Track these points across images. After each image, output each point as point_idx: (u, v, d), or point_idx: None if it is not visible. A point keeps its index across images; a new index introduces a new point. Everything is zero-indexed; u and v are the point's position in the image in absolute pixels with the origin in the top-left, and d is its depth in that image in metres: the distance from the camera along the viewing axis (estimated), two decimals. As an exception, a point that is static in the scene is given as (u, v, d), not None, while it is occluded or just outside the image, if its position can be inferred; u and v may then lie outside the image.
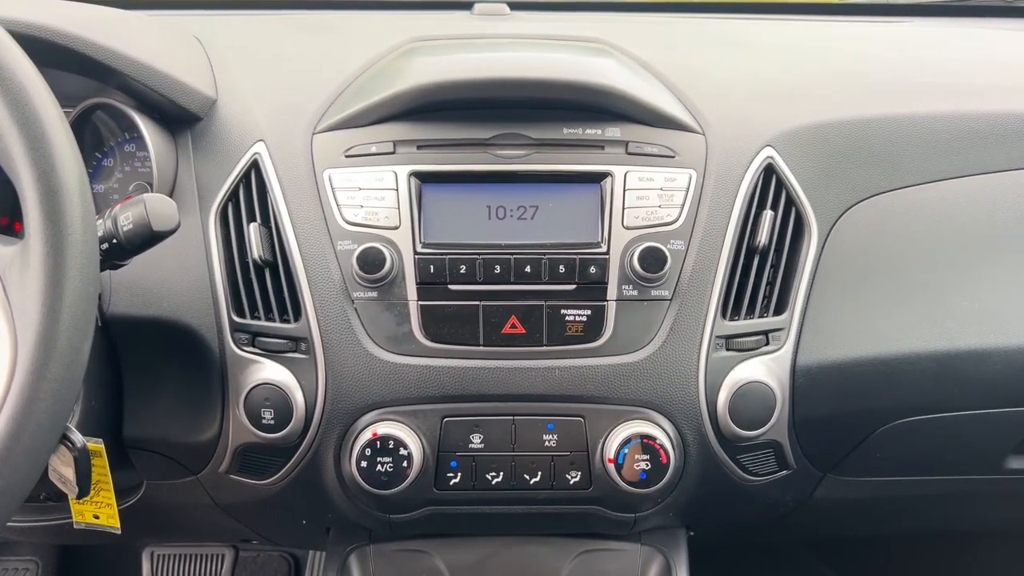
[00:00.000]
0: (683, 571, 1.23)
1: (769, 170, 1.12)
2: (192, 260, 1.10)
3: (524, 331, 1.06)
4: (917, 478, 1.26)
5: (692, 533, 1.28)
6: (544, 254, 1.06)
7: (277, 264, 1.08)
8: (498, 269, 1.06)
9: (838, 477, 1.22)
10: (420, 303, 1.06)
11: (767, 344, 1.09)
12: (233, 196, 1.11)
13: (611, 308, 1.06)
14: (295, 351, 1.06)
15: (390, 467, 1.04)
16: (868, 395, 1.14)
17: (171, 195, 1.13)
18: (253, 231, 1.08)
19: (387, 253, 1.04)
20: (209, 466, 1.14)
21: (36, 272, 0.78)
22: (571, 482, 1.09)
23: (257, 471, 1.13)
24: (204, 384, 1.10)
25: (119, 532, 1.11)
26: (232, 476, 1.14)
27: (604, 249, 1.06)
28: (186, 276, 1.10)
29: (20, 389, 0.77)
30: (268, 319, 1.08)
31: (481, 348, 1.06)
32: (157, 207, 0.93)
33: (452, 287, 1.06)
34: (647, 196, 1.08)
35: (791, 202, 1.12)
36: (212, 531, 1.60)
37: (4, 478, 0.76)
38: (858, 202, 1.16)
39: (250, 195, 1.10)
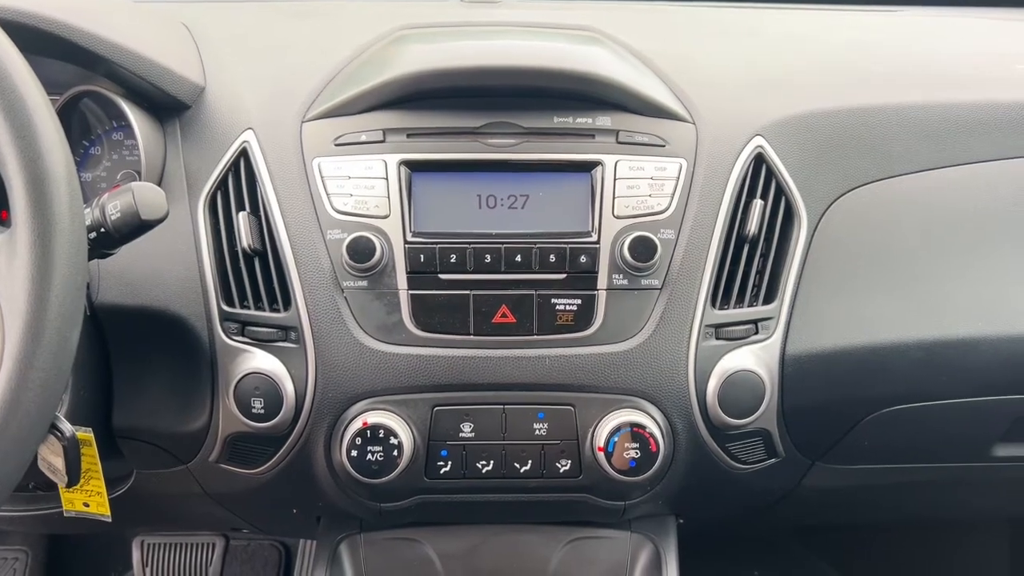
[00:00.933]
0: (672, 559, 1.23)
1: (759, 159, 1.12)
2: (181, 249, 1.09)
3: (515, 320, 1.06)
4: (905, 466, 1.27)
5: (682, 521, 1.29)
6: (534, 243, 1.06)
7: (267, 253, 1.07)
8: (488, 258, 1.06)
9: (826, 465, 1.23)
10: (410, 292, 1.05)
11: (756, 333, 1.10)
12: (222, 185, 1.10)
13: (601, 297, 1.06)
14: (285, 340, 1.06)
15: (380, 456, 1.04)
16: (856, 384, 1.14)
17: (159, 183, 1.12)
18: (242, 220, 1.07)
19: (377, 242, 1.03)
20: (199, 455, 1.14)
21: (23, 260, 0.78)
22: (561, 470, 1.09)
23: (247, 460, 1.13)
24: (194, 373, 1.10)
25: (109, 520, 1.11)
26: (222, 465, 1.14)
27: (595, 238, 1.06)
28: (175, 265, 1.09)
29: (8, 378, 0.76)
30: (258, 308, 1.07)
31: (472, 337, 1.06)
32: (145, 196, 0.92)
33: (442, 276, 1.06)
34: (637, 185, 1.08)
35: (781, 191, 1.12)
36: (202, 520, 1.60)
37: None
38: (848, 191, 1.16)
39: (239, 184, 1.10)
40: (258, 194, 1.09)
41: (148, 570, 1.90)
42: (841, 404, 1.16)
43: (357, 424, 1.05)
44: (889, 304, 1.14)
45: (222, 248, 1.09)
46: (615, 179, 1.07)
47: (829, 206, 1.15)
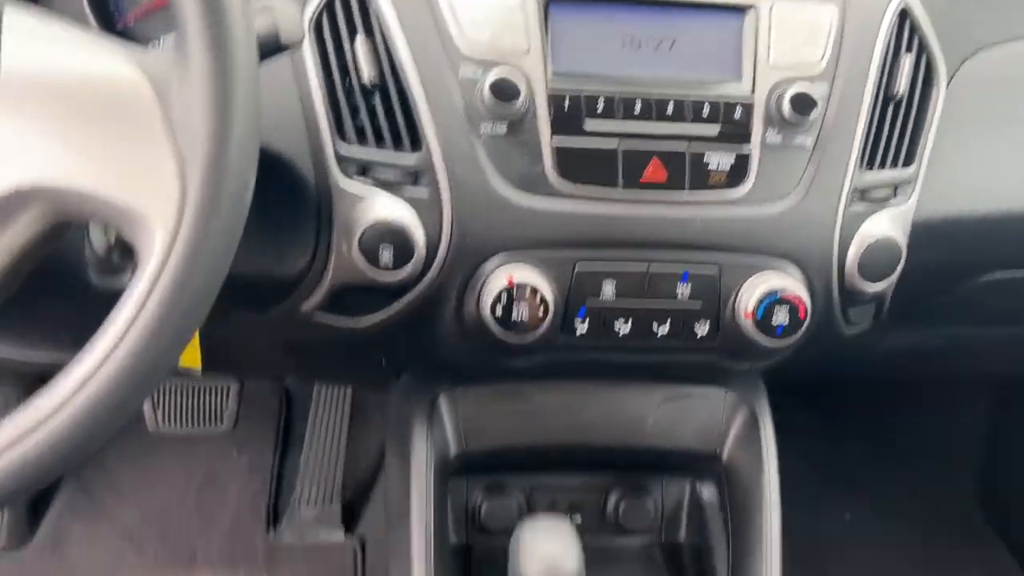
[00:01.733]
0: (766, 416, 1.23)
1: (903, 13, 1.05)
2: (280, 79, 0.96)
3: (665, 176, 0.99)
4: (983, 329, 1.30)
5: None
6: (687, 94, 0.98)
7: (388, 87, 0.96)
8: (638, 107, 0.97)
9: (908, 327, 1.24)
10: (554, 139, 0.97)
11: (895, 196, 1.07)
12: (328, 6, 0.96)
13: (755, 154, 1.00)
14: (415, 184, 0.97)
15: (525, 314, 0.98)
16: (970, 249, 1.14)
17: None
18: (360, 47, 0.95)
19: (518, 84, 0.94)
20: (288, 303, 1.05)
21: (199, 83, 0.67)
22: (699, 335, 1.05)
23: (351, 310, 1.04)
24: (293, 216, 1.00)
25: (200, 372, 1.03)
26: (317, 314, 1.06)
27: (749, 89, 0.99)
28: (273, 96, 0.96)
29: (192, 226, 0.67)
30: (380, 147, 0.97)
31: (620, 190, 0.99)
32: (286, 16, 0.79)
33: (588, 125, 0.97)
34: (793, 33, 1.00)
35: (923, 48, 1.07)
36: (256, 367, 1.52)
37: (176, 323, 0.67)
38: (975, 53, 1.12)
39: (348, 5, 0.96)
40: (372, 19, 0.96)
41: (159, 412, 1.82)
42: (949, 268, 1.16)
43: (500, 279, 0.97)
44: (1013, 169, 1.13)
45: (332, 79, 0.96)
46: (770, 25, 0.99)
47: (959, 67, 1.11)
